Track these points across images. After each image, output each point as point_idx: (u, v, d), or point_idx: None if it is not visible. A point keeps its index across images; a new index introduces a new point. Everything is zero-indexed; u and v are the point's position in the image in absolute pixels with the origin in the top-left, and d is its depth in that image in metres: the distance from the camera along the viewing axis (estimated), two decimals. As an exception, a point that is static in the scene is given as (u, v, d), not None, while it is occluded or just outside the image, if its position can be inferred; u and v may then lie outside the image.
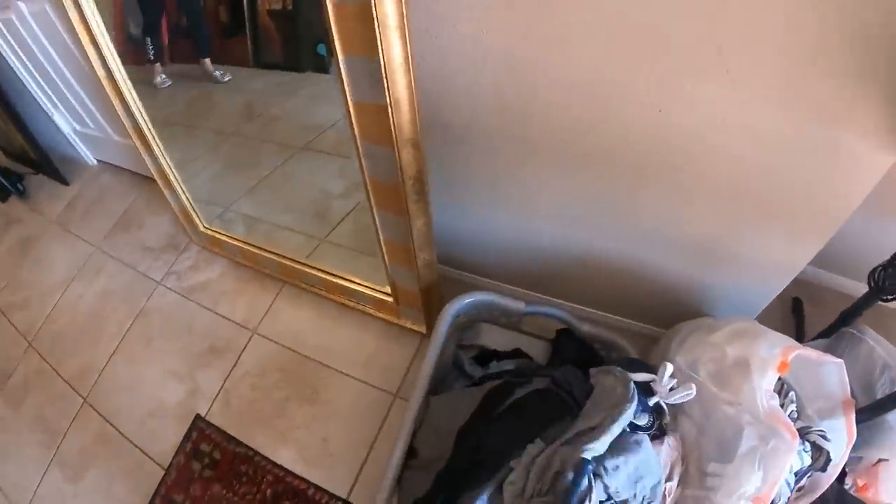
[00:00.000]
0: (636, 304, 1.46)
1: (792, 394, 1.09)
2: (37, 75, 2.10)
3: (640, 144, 1.02)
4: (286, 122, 1.85)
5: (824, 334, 1.33)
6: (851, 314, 1.27)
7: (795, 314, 1.60)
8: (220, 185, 1.97)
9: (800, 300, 1.62)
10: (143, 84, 1.65)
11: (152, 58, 1.62)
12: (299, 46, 1.55)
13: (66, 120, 2.28)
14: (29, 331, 1.94)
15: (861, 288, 1.24)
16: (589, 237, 1.30)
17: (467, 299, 1.30)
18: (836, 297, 1.60)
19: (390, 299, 1.49)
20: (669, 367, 0.96)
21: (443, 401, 1.20)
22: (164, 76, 1.70)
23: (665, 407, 0.99)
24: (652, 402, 0.97)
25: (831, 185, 0.94)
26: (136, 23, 1.65)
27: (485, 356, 1.39)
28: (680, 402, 0.97)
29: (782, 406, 1.04)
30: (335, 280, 1.58)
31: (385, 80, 0.91)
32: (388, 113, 0.96)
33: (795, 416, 1.06)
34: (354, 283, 1.56)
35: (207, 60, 1.65)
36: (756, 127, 0.90)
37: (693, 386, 0.95)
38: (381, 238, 1.30)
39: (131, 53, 1.63)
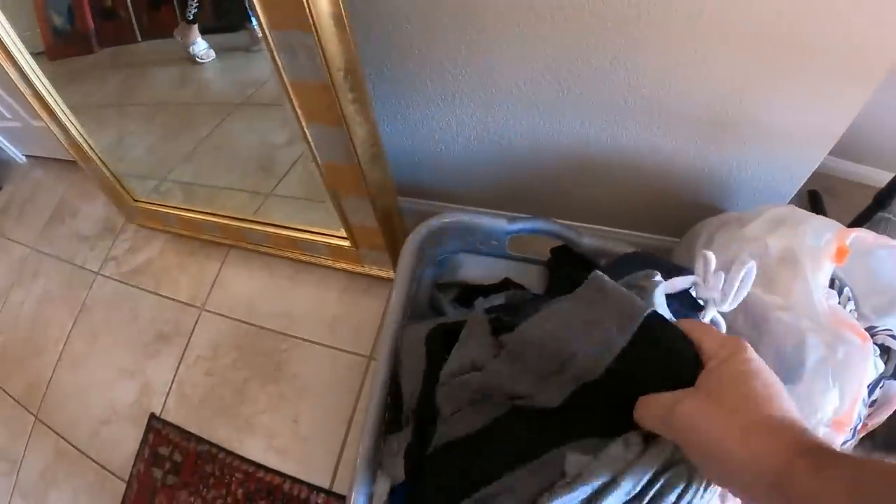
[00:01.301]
0: (641, 211, 1.19)
1: (847, 290, 0.86)
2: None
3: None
4: (222, 82, 1.67)
5: (856, 223, 1.16)
6: (887, 195, 1.10)
7: (815, 208, 1.39)
8: (156, 157, 1.75)
9: (817, 192, 1.42)
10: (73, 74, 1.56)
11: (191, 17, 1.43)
12: (230, 5, 1.44)
13: (-18, 117, 2.03)
14: (-27, 354, 1.71)
15: (881, 174, 1.17)
16: (570, 128, 1.03)
17: (435, 222, 1.02)
18: (853, 187, 1.43)
19: (347, 243, 1.23)
20: (711, 256, 0.64)
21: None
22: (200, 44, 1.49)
23: (722, 321, 0.67)
24: (707, 316, 0.61)
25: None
26: (60, 11, 1.55)
27: (468, 293, 1.12)
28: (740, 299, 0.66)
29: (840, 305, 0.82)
30: (283, 232, 1.33)
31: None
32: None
33: (855, 316, 0.83)
34: (304, 231, 1.30)
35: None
36: None
37: (750, 260, 0.61)
38: (320, 162, 1.04)
39: (61, 46, 1.55)
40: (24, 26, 1.38)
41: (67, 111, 1.50)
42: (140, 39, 1.49)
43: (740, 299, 0.58)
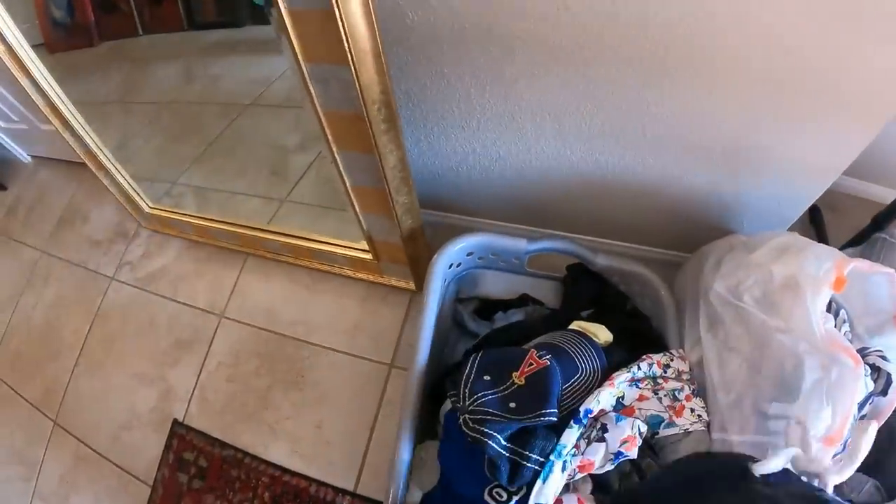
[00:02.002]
0: (652, 227, 1.24)
1: (843, 312, 0.90)
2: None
3: (653, 25, 0.78)
4: (229, 80, 1.62)
5: (853, 242, 1.20)
6: (885, 218, 1.13)
7: (815, 223, 1.43)
8: (165, 159, 1.74)
9: (818, 208, 1.43)
10: (73, 68, 1.54)
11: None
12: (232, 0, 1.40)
13: (-11, 120, 2.02)
14: (-15, 356, 1.72)
15: (884, 192, 1.20)
16: (589, 154, 1.07)
17: (460, 244, 1.08)
18: (855, 203, 1.45)
19: (369, 256, 1.26)
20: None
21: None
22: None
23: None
24: (830, 486, 0.69)
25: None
26: (59, 4, 1.51)
27: (488, 308, 1.16)
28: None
29: (836, 328, 0.87)
30: (302, 243, 1.35)
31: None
32: (335, 16, 0.72)
33: (850, 337, 0.89)
34: (325, 243, 1.33)
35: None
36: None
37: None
38: (349, 186, 1.07)
39: (61, 39, 1.51)
40: (23, 18, 1.37)
41: (82, 121, 1.52)
42: (141, 33, 1.47)
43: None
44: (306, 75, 0.86)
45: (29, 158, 2.16)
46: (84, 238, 1.80)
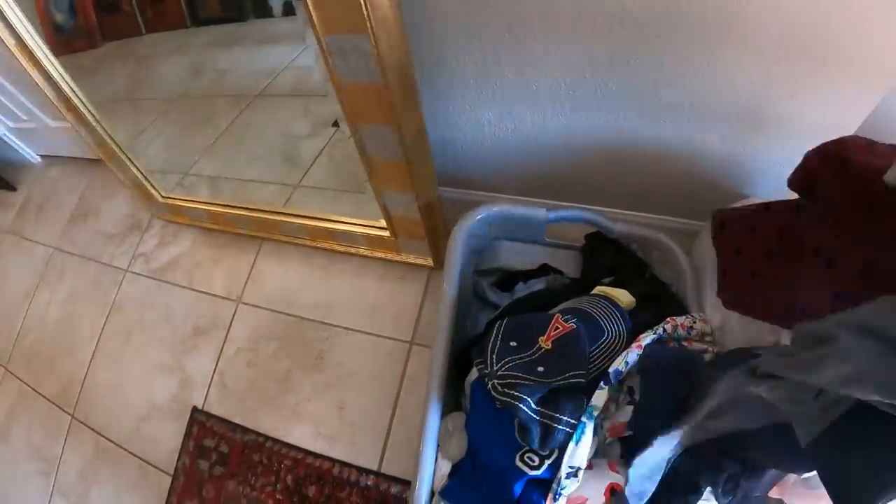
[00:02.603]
0: (668, 196, 1.22)
1: None
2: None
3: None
4: (236, 73, 1.62)
5: None
6: None
7: None
8: (176, 151, 1.74)
9: None
10: (78, 70, 1.52)
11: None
12: None
13: (-1, 120, 2.03)
14: (1, 355, 1.73)
15: None
16: (606, 121, 1.06)
17: (480, 214, 1.07)
18: None
19: (386, 233, 1.25)
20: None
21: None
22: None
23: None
24: None
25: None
26: (61, 7, 1.50)
27: (507, 279, 1.15)
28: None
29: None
30: (319, 224, 1.35)
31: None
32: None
33: None
34: (341, 222, 1.31)
35: None
36: None
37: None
38: (369, 159, 1.05)
39: (64, 42, 1.50)
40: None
41: (93, 109, 1.52)
42: (144, 32, 1.48)
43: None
44: (325, 48, 0.85)
45: (38, 159, 2.16)
46: (97, 232, 1.80)
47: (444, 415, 0.96)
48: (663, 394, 0.80)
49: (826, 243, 0.62)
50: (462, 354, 1.00)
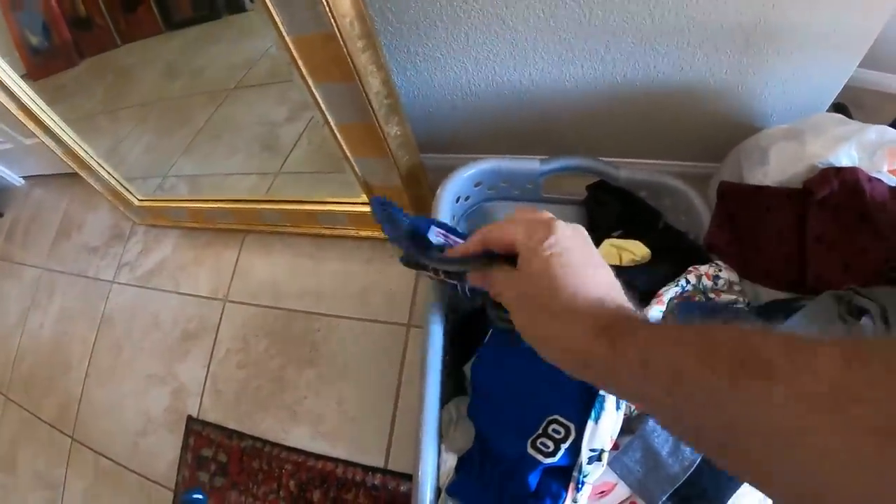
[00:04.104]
0: (673, 138, 1.08)
1: None
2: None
3: None
4: (212, 70, 1.54)
5: None
6: None
7: None
8: (156, 155, 1.64)
9: (844, 105, 1.26)
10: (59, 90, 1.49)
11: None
12: None
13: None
14: (1, 382, 1.62)
15: None
16: (595, 55, 0.91)
17: (467, 171, 0.93)
18: (881, 98, 1.28)
19: (369, 209, 1.10)
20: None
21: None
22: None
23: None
24: None
25: None
26: (35, 30, 1.47)
27: (505, 244, 1.01)
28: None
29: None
30: (299, 208, 1.22)
31: None
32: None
33: None
34: (324, 203, 1.18)
35: None
36: None
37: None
38: (335, 126, 0.93)
39: (42, 64, 1.48)
40: (3, 52, 1.34)
41: (59, 120, 1.44)
42: (120, 44, 1.42)
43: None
44: (269, 2, 0.73)
45: (21, 181, 2.06)
46: (82, 247, 1.68)
47: (446, 401, 0.83)
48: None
49: (828, 231, 0.77)
50: (461, 333, 0.86)
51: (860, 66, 1.01)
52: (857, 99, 1.29)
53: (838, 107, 1.28)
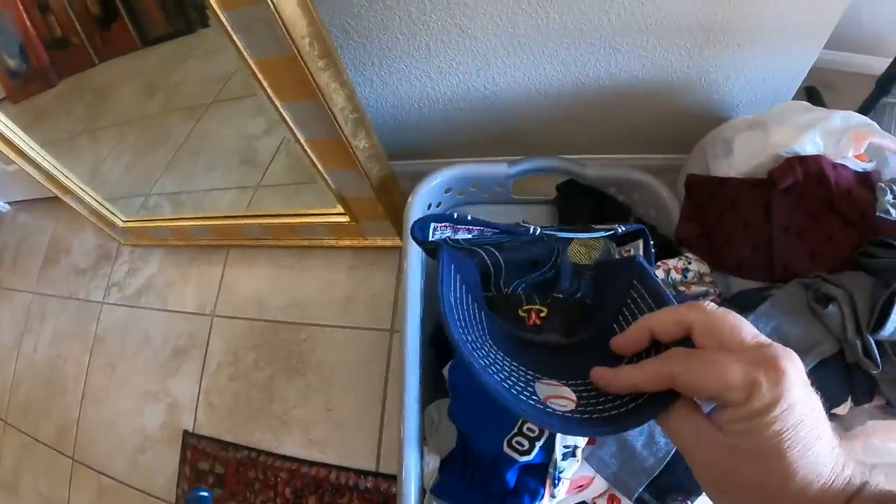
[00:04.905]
0: (639, 133, 1.09)
1: None
2: None
3: None
4: (189, 85, 1.52)
5: (861, 113, 1.03)
6: (890, 79, 0.99)
7: (814, 103, 1.26)
8: (137, 174, 1.63)
9: (815, 88, 1.27)
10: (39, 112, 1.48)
11: None
12: (181, 6, 1.31)
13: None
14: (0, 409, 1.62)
15: (878, 62, 1.04)
16: (555, 57, 0.92)
17: (436, 179, 0.94)
18: (851, 79, 1.27)
19: (346, 218, 1.12)
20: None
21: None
22: None
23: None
24: None
25: None
26: (12, 53, 1.45)
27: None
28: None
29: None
30: (279, 221, 1.23)
31: None
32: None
33: None
34: (301, 215, 1.20)
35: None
36: None
37: None
38: (303, 141, 0.94)
39: (21, 87, 1.47)
40: None
41: (37, 147, 1.43)
42: (97, 62, 1.39)
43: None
44: (228, 27, 0.74)
45: (7, 207, 2.04)
46: (70, 269, 1.68)
47: (429, 402, 0.84)
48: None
49: (794, 220, 0.78)
50: (441, 335, 0.87)
51: (830, 48, 1.02)
52: (829, 81, 1.29)
53: (809, 90, 1.29)
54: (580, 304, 0.60)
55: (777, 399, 0.30)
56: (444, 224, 0.59)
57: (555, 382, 0.42)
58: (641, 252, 0.66)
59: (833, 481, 0.31)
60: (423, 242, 0.54)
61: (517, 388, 0.39)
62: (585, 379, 0.41)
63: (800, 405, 0.31)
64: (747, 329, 0.34)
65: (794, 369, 0.31)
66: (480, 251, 0.58)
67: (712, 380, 0.32)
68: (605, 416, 0.36)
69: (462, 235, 0.58)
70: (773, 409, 0.30)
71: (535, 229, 0.62)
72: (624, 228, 0.65)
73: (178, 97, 1.53)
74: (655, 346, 0.38)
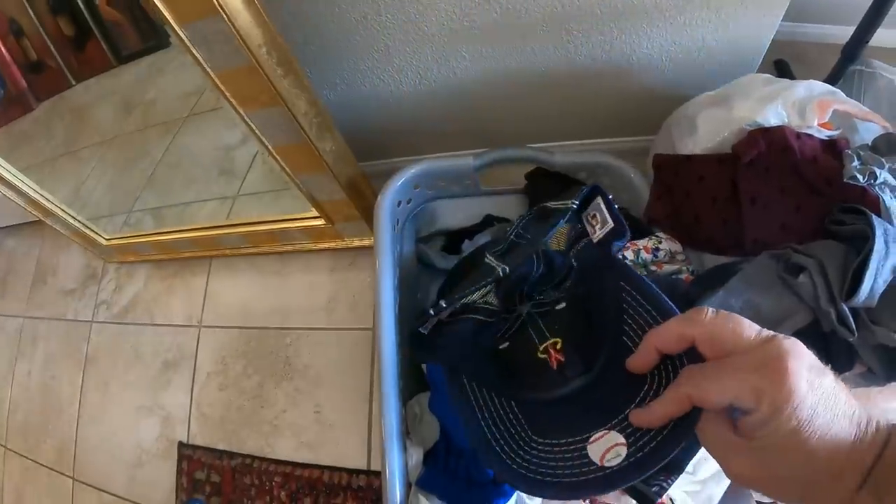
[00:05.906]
0: (608, 116, 1.09)
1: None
2: None
3: None
4: (164, 100, 1.52)
5: (829, 82, 1.03)
6: (855, 46, 1.02)
7: (784, 76, 1.27)
8: (118, 192, 1.62)
9: (784, 61, 1.29)
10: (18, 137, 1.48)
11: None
12: (152, 22, 1.23)
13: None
14: (-1, 435, 1.62)
15: (844, 31, 1.03)
16: (514, 46, 0.92)
17: (403, 177, 0.93)
18: (819, 49, 1.29)
19: (321, 221, 1.12)
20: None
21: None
22: None
23: None
24: None
25: None
26: None
27: (453, 240, 1.02)
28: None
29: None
30: (256, 229, 1.23)
31: None
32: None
33: None
34: (277, 221, 1.20)
35: None
36: None
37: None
38: (272, 149, 0.95)
39: (1, 114, 1.45)
40: None
41: (17, 173, 1.43)
42: (74, 83, 1.38)
43: None
44: (187, 42, 0.75)
45: (-9, 232, 2.03)
46: (58, 291, 1.68)
47: (411, 397, 0.85)
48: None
49: (761, 192, 0.77)
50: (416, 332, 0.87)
51: (796, 20, 1.02)
52: (799, 54, 1.29)
53: (778, 63, 1.29)
54: (583, 313, 0.62)
55: (785, 399, 0.31)
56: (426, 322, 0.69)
57: (603, 432, 0.43)
58: (604, 207, 0.72)
59: (857, 446, 0.31)
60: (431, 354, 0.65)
61: (575, 471, 0.42)
62: (624, 411, 0.42)
63: (810, 396, 0.32)
64: (748, 328, 0.35)
65: (797, 361, 0.32)
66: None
67: (721, 394, 0.34)
68: (654, 448, 0.39)
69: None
70: (784, 409, 0.31)
71: (502, 270, 0.70)
72: (578, 202, 0.67)
73: (154, 113, 1.52)
74: (670, 357, 0.41)
